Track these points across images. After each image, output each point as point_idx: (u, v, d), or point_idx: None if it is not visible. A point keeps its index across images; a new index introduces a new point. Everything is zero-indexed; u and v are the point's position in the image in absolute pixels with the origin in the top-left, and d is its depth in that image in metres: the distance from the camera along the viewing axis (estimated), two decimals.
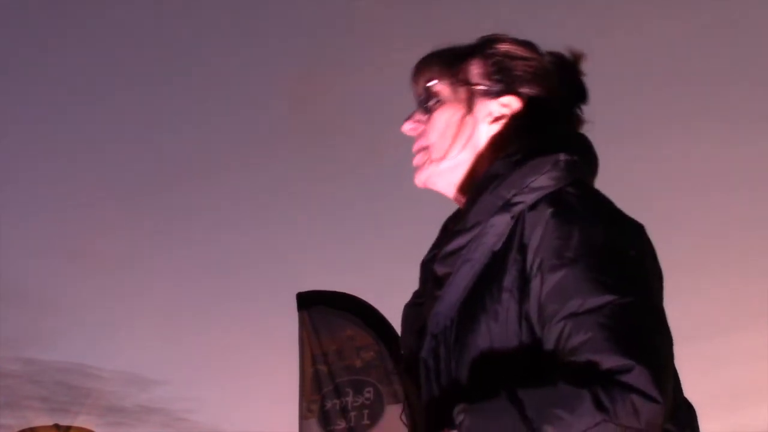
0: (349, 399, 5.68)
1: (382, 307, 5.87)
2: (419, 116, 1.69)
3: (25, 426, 6.62)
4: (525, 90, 1.64)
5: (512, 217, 1.51)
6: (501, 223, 1.52)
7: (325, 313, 5.89)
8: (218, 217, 9.06)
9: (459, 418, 1.38)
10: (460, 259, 1.54)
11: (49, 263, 9.28)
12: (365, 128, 7.84)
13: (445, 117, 1.65)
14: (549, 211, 1.48)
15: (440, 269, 1.57)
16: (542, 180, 1.52)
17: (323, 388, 5.75)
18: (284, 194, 8.88)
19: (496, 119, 1.64)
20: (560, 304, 1.41)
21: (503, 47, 1.67)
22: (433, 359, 1.53)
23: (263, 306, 8.69)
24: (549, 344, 1.41)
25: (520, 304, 1.46)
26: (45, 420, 6.80)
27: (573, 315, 1.39)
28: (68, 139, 9.26)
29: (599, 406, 1.32)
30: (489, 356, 1.46)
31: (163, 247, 9.12)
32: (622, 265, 1.44)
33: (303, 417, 5.74)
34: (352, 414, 5.64)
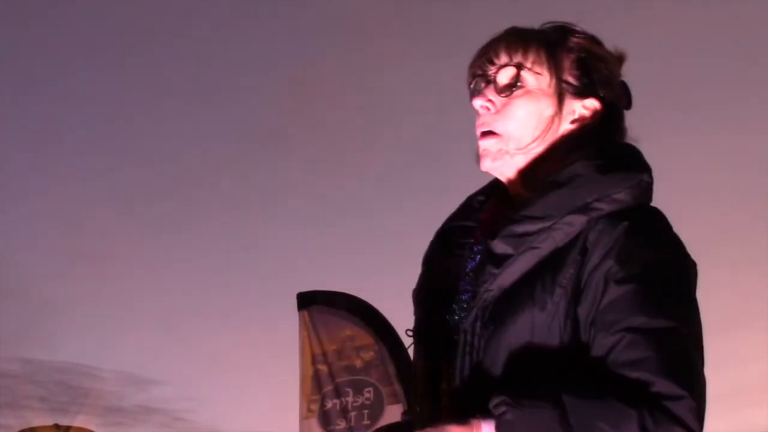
0: (349, 399, 5.69)
1: (383, 308, 5.87)
2: (494, 95, 1.62)
3: (25, 426, 6.62)
4: (603, 93, 1.63)
5: (588, 221, 1.51)
6: (576, 223, 1.51)
7: (326, 313, 5.89)
8: (218, 217, 9.06)
9: (500, 410, 1.36)
10: (525, 244, 1.53)
11: (48, 263, 9.29)
12: (365, 128, 7.84)
13: (531, 109, 1.60)
14: (624, 224, 1.49)
15: (501, 248, 1.55)
16: (624, 195, 1.52)
17: (323, 388, 5.75)
18: (284, 194, 8.87)
19: (577, 120, 1.62)
20: (622, 316, 1.41)
21: (583, 42, 1.63)
22: (471, 333, 1.53)
23: (262, 306, 8.69)
24: (599, 351, 1.41)
25: (571, 303, 1.47)
26: (44, 420, 6.80)
27: (634, 330, 1.39)
28: (70, 139, 9.26)
29: (643, 430, 1.32)
30: (526, 345, 1.47)
31: (162, 248, 9.12)
32: (687, 297, 1.48)
33: (303, 417, 5.75)
34: (352, 414, 5.64)
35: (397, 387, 5.60)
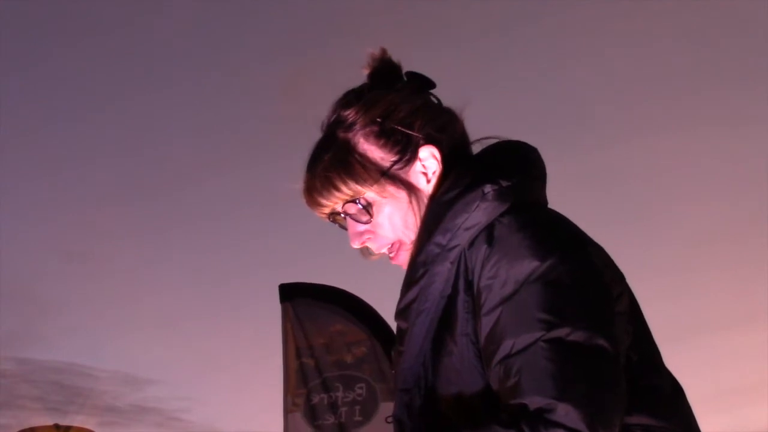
0: (339, 394, 5.61)
1: (382, 308, 5.81)
2: (359, 228, 1.60)
3: (24, 426, 6.61)
4: (425, 131, 1.58)
5: (451, 262, 1.50)
6: (443, 270, 1.51)
7: (311, 305, 5.80)
8: (214, 215, 9.04)
9: None
10: (413, 312, 1.53)
11: (43, 264, 9.27)
12: None
13: (390, 214, 1.58)
14: (483, 248, 1.47)
15: (400, 324, 1.58)
16: (474, 217, 1.49)
17: (309, 382, 5.67)
18: (282, 193, 8.82)
19: (428, 174, 1.58)
20: (496, 346, 1.41)
21: (362, 116, 1.58)
22: (408, 414, 1.53)
23: (258, 305, 8.66)
24: (494, 386, 1.42)
25: (477, 345, 1.46)
26: (40, 419, 6.77)
27: (506, 357, 1.40)
28: (68, 141, 9.24)
29: None
30: (463, 402, 1.46)
31: (157, 247, 9.11)
32: (552, 297, 1.41)
33: (287, 411, 5.67)
34: (343, 410, 5.57)
35: (393, 384, 5.53)
